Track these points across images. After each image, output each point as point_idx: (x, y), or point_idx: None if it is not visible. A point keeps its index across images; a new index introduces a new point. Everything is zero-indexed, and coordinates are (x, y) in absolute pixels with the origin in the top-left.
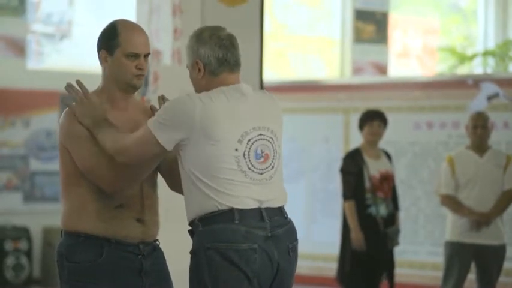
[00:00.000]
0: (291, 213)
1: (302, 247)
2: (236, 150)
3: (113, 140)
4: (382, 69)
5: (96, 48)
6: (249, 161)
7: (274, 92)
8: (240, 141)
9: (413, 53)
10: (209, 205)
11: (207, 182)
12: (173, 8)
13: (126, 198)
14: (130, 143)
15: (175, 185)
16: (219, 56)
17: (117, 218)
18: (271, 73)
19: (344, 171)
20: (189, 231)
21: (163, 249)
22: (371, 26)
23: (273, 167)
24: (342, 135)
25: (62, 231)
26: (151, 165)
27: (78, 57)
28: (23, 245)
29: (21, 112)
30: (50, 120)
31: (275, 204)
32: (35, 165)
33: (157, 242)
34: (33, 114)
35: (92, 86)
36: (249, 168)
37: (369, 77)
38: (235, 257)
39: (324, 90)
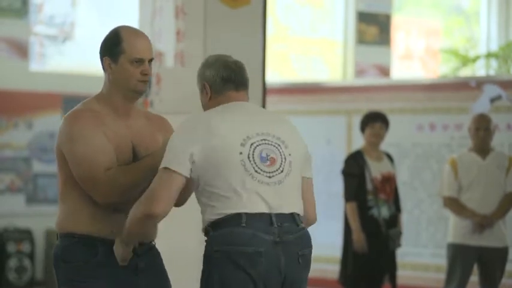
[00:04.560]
0: None
1: None
2: (240, 153)
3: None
4: (384, 71)
5: (99, 55)
6: (255, 163)
7: (277, 94)
8: (242, 145)
9: (416, 55)
10: (218, 211)
11: (213, 190)
12: (176, 10)
13: (122, 202)
14: (153, 189)
15: None
16: (223, 75)
17: (112, 220)
18: (274, 75)
19: (346, 173)
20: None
21: (160, 251)
22: (374, 28)
23: (282, 171)
24: (345, 137)
25: (57, 235)
26: (147, 183)
27: (81, 59)
28: (25, 247)
29: (24, 114)
30: (53, 122)
31: (286, 210)
32: (37, 167)
33: (153, 243)
34: (36, 116)
35: (95, 88)
36: (256, 171)
37: (372, 79)
38: (241, 259)
39: (327, 92)
